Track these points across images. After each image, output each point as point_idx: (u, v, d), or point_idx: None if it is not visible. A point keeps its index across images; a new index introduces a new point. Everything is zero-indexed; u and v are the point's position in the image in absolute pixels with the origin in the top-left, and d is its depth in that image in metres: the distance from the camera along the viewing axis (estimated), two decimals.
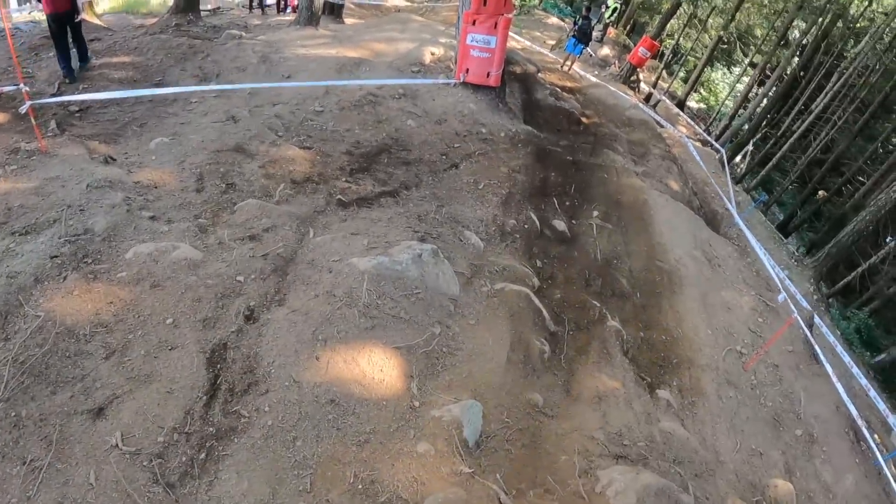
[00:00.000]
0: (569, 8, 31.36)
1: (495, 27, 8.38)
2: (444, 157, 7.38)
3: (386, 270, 4.14)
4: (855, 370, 6.62)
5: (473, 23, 8.40)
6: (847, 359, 6.92)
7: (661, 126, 12.62)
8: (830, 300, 12.54)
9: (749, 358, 6.11)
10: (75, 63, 8.17)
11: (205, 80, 8.64)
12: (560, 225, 6.74)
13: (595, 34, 17.70)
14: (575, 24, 14.50)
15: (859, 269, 12.53)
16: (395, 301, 4.04)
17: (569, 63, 14.41)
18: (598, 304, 5.53)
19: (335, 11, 13.32)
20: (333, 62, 9.12)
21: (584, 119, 10.69)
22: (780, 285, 6.92)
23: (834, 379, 6.03)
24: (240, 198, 5.42)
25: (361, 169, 6.56)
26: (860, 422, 5.98)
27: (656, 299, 6.22)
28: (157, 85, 8.18)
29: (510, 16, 8.41)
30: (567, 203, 7.29)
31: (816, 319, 7.31)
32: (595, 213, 7.19)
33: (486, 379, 3.88)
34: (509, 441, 3.69)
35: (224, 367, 3.49)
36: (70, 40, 7.93)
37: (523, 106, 10.03)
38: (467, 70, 8.69)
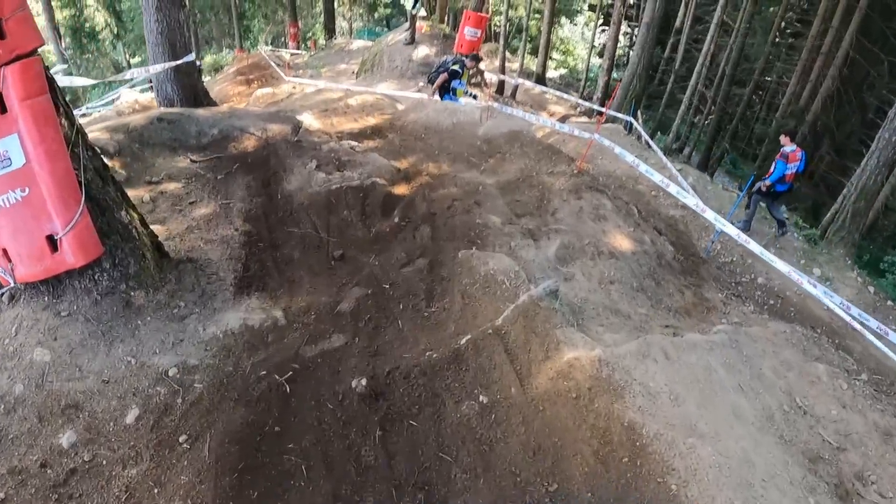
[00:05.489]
0: (385, 29, 26.09)
1: (4, 110, 2.78)
2: None
3: None
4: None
5: None
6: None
7: (533, 124, 7.49)
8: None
9: None
10: None
11: None
12: None
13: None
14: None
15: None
16: None
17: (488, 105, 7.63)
18: None
19: None
20: None
21: (402, 188, 5.30)
22: None
23: None
24: None
25: None
26: None
27: None
28: None
29: (32, 62, 2.82)
30: None
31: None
32: None
33: None
34: None
35: None
36: None
37: (252, 228, 4.49)
38: (5, 252, 3.00)
